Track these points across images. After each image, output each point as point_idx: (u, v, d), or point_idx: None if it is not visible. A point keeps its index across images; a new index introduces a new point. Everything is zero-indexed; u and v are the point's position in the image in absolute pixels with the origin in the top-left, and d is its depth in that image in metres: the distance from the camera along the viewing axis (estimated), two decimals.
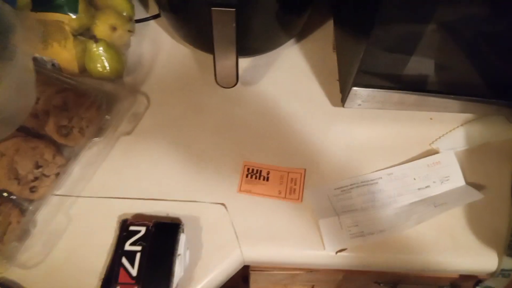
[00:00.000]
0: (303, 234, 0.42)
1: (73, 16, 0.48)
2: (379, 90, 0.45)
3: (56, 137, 0.43)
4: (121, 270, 0.37)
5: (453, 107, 0.48)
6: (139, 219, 0.41)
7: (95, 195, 0.44)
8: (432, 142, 0.49)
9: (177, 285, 0.38)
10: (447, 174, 0.45)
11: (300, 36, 0.57)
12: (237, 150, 0.48)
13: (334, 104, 0.52)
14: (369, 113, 0.50)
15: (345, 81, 0.47)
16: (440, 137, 0.49)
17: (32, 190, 0.41)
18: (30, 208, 0.41)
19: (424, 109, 0.48)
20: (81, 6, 0.48)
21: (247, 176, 0.46)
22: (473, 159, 0.48)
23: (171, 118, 0.50)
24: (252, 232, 0.42)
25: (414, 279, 0.51)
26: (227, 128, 0.49)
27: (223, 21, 0.41)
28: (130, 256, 0.37)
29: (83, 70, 0.50)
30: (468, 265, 0.43)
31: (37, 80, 0.43)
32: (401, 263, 0.42)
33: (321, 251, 0.41)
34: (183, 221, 0.42)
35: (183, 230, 0.40)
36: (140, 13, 0.58)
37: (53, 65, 0.50)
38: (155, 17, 0.58)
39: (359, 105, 0.47)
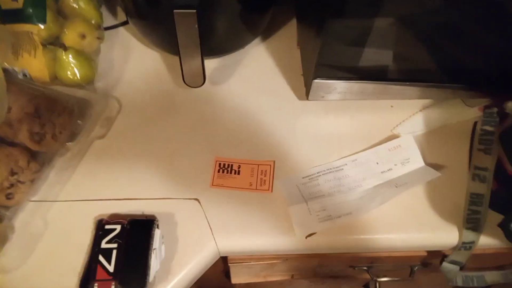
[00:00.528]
0: (274, 222, 0.44)
1: (42, 26, 0.49)
2: (339, 81, 0.47)
3: (29, 144, 0.44)
4: (98, 267, 0.38)
5: (412, 94, 0.50)
6: (115, 218, 0.42)
7: (71, 199, 0.45)
8: (394, 128, 0.51)
9: (154, 278, 0.40)
10: (407, 157, 0.48)
11: (266, 34, 0.60)
12: (208, 146, 0.49)
13: (300, 98, 0.54)
14: (333, 104, 0.53)
15: (307, 74, 0.50)
16: (400, 123, 0.51)
17: (8, 197, 0.42)
18: (7, 214, 0.42)
19: (384, 97, 0.50)
20: (49, 16, 0.49)
21: (219, 171, 0.47)
22: (432, 141, 0.50)
23: (143, 119, 0.51)
24: (226, 224, 0.44)
25: (386, 260, 0.53)
26: (198, 126, 0.51)
27: (185, 23, 0.43)
28: (107, 253, 0.39)
29: (54, 78, 0.52)
30: (431, 241, 0.45)
31: (8, 90, 0.44)
32: (368, 243, 0.45)
33: (292, 237, 0.43)
34: (158, 217, 0.43)
35: (157, 225, 0.42)
36: (109, 20, 0.60)
37: (24, 75, 0.51)
38: (123, 24, 0.60)
39: (322, 97, 0.49)
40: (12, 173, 0.42)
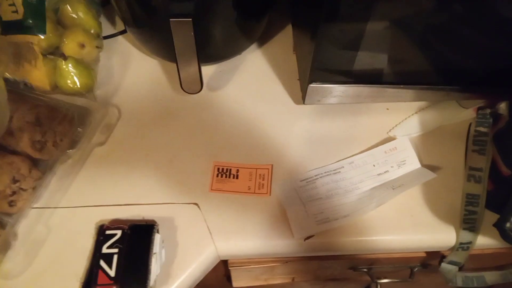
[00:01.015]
0: (273, 225, 0.45)
1: (42, 37, 0.50)
2: (335, 85, 0.48)
3: (30, 152, 0.45)
4: (100, 272, 0.39)
5: (407, 97, 0.51)
6: (115, 223, 0.43)
7: (73, 205, 0.46)
8: (389, 131, 0.52)
9: (155, 282, 0.40)
10: (404, 158, 0.48)
11: (262, 40, 0.61)
12: (207, 151, 0.50)
13: (296, 102, 0.55)
14: (330, 108, 0.54)
15: (303, 79, 0.50)
16: (396, 125, 0.52)
17: (11, 204, 0.43)
18: (10, 221, 0.43)
19: (380, 100, 0.51)
20: (48, 27, 0.50)
21: (217, 175, 0.48)
22: (428, 143, 0.51)
23: (143, 126, 0.52)
24: (225, 227, 0.45)
25: (386, 261, 0.53)
26: (196, 132, 0.52)
27: (182, 31, 0.44)
28: (108, 258, 0.39)
29: (55, 87, 0.53)
30: (429, 242, 0.46)
31: (9, 99, 0.45)
32: (366, 245, 0.45)
33: (291, 239, 0.44)
34: (158, 222, 0.44)
35: (157, 230, 0.42)
36: (107, 29, 0.61)
37: (25, 84, 0.52)
38: (122, 32, 0.61)
39: (319, 101, 0.50)
40: (14, 181, 0.43)
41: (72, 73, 0.51)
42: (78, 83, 0.52)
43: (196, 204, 0.46)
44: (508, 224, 0.37)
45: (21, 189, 0.44)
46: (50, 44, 0.51)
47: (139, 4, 0.48)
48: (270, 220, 0.45)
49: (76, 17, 0.54)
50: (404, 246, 0.46)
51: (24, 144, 0.45)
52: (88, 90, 0.54)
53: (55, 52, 0.52)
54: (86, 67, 0.53)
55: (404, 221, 0.45)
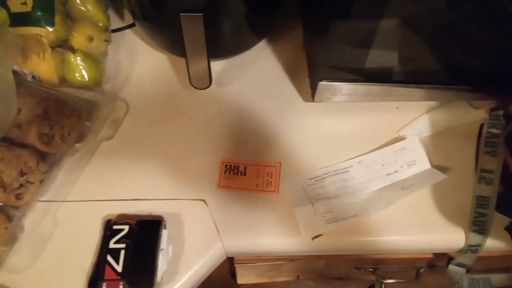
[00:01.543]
0: (280, 223, 0.45)
1: (50, 29, 0.50)
2: (345, 83, 0.47)
3: (38, 145, 0.45)
4: (107, 267, 0.38)
5: (417, 96, 0.50)
6: (123, 218, 0.43)
7: (80, 199, 0.46)
8: (399, 130, 0.51)
9: (162, 278, 0.40)
10: (413, 159, 0.48)
11: (272, 36, 0.60)
12: (215, 148, 0.50)
13: (305, 99, 0.54)
14: (339, 106, 0.53)
15: (313, 76, 0.50)
16: (406, 125, 0.51)
17: (18, 197, 0.43)
18: (17, 214, 0.42)
19: (390, 99, 0.50)
20: (57, 19, 0.50)
21: (225, 172, 0.48)
22: (438, 143, 0.50)
23: (150, 121, 0.52)
24: (232, 224, 0.45)
25: (392, 261, 0.53)
26: (204, 128, 0.51)
27: (192, 26, 0.43)
28: (115, 253, 0.39)
29: (63, 80, 0.52)
30: (437, 243, 0.45)
31: (18, 92, 0.45)
32: (374, 245, 0.45)
33: (299, 238, 0.44)
34: (166, 218, 0.44)
35: (165, 226, 0.42)
36: (116, 23, 0.60)
37: (33, 77, 0.51)
38: (130, 26, 0.60)
39: (328, 98, 0.50)
40: (22, 174, 0.43)
41: (80, 66, 0.51)
42: (86, 77, 0.51)
43: (203, 200, 0.46)
44: None
45: (28, 182, 0.43)
46: (58, 37, 0.51)
47: None
48: (277, 218, 0.45)
49: (84, 10, 0.54)
50: (412, 247, 0.45)
51: (31, 137, 0.45)
52: (96, 84, 0.54)
53: (63, 45, 0.52)
54: (94, 60, 0.53)
55: (413, 222, 0.45)
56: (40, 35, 0.50)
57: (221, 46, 0.53)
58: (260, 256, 0.50)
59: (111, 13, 0.61)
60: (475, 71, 0.48)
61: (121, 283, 0.38)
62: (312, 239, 0.44)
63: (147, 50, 0.59)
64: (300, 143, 0.50)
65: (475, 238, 0.44)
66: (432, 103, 0.54)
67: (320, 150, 0.50)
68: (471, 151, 0.50)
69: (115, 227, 0.41)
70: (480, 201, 0.44)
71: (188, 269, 0.42)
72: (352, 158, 0.49)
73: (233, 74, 0.56)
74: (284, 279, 0.60)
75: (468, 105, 0.53)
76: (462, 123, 0.52)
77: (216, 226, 0.44)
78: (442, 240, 0.45)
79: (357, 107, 0.53)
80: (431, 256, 0.51)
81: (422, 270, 0.56)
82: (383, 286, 0.63)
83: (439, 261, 0.53)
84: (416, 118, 0.52)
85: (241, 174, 0.48)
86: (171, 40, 0.52)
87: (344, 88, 0.48)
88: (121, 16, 0.62)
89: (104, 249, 0.39)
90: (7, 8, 0.49)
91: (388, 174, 0.47)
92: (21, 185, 0.43)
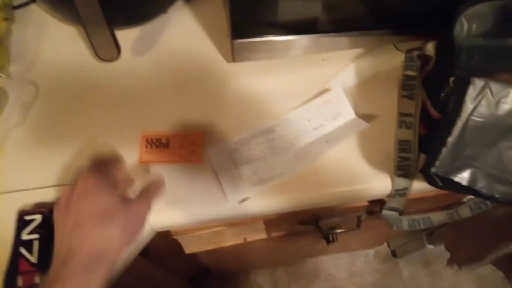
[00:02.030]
0: (206, 192, 0.44)
1: None
2: (260, 38, 0.45)
3: None
4: (21, 260, 0.37)
5: (342, 45, 0.49)
6: (38, 208, 0.41)
7: None
8: (326, 82, 0.50)
9: None
10: (338, 110, 0.47)
11: None
12: (135, 122, 0.47)
13: (228, 61, 0.51)
14: (263, 64, 0.51)
15: (230, 35, 0.47)
16: (332, 77, 0.50)
17: None
18: None
19: (314, 51, 0.48)
20: None
21: (146, 146, 0.46)
22: (365, 92, 0.49)
23: (64, 101, 0.49)
24: (158, 199, 0.43)
25: (330, 213, 0.54)
26: (122, 102, 0.49)
27: None
28: (28, 245, 0.37)
29: None
30: (367, 192, 0.46)
31: None
32: (304, 201, 0.45)
33: (226, 204, 0.43)
34: None
35: None
36: None
37: None
38: (33, 1, 0.55)
39: (249, 57, 0.47)
40: None
41: None
42: None
43: None
44: (433, 169, 0.36)
45: None
46: None
47: None
48: (203, 187, 0.44)
49: None
50: (342, 198, 0.46)
51: None
52: (0, 68, 0.49)
53: None
54: None
55: (341, 174, 0.45)
56: None
57: (130, 11, 0.49)
58: (194, 226, 0.49)
59: None
60: (395, 13, 0.47)
61: (38, 273, 0.36)
62: (240, 203, 0.43)
63: (55, 25, 0.54)
64: (225, 107, 0.49)
65: (401, 182, 0.44)
66: (358, 51, 0.52)
67: (246, 112, 0.48)
68: (395, 96, 0.49)
69: (26, 217, 0.39)
70: (402, 146, 0.44)
71: None
72: (278, 116, 0.48)
73: (150, 41, 0.53)
74: (232, 242, 0.60)
75: (394, 49, 0.52)
76: (389, 69, 0.51)
77: None
78: (371, 187, 0.45)
79: (283, 63, 0.51)
80: (366, 203, 0.52)
81: (363, 217, 0.57)
82: (335, 236, 0.64)
83: (376, 207, 0.53)
84: (342, 69, 0.51)
85: (164, 146, 0.46)
86: (70, 10, 0.47)
87: (262, 44, 0.45)
88: None
89: (17, 242, 0.38)
90: None
91: (313, 129, 0.46)
92: None
